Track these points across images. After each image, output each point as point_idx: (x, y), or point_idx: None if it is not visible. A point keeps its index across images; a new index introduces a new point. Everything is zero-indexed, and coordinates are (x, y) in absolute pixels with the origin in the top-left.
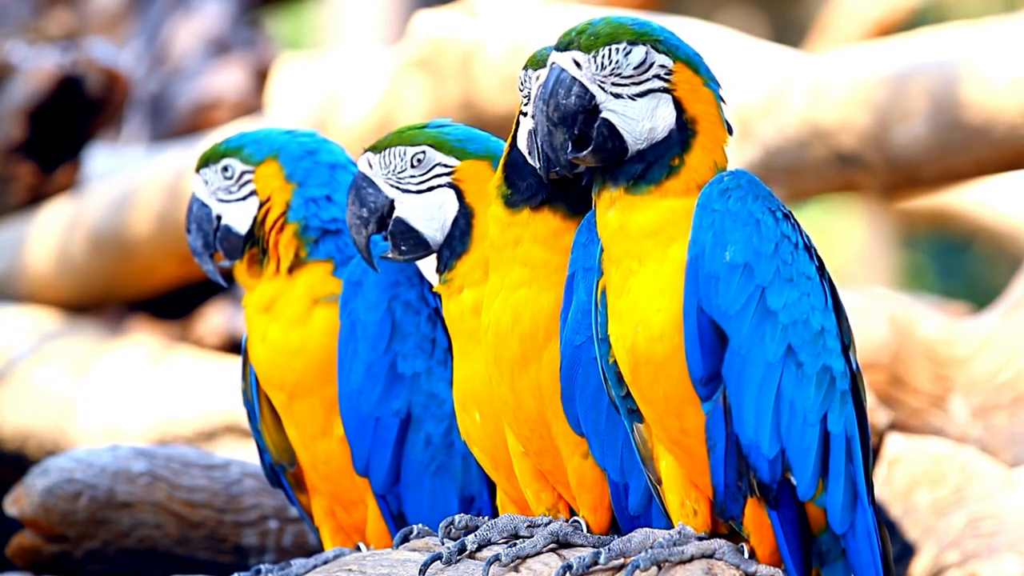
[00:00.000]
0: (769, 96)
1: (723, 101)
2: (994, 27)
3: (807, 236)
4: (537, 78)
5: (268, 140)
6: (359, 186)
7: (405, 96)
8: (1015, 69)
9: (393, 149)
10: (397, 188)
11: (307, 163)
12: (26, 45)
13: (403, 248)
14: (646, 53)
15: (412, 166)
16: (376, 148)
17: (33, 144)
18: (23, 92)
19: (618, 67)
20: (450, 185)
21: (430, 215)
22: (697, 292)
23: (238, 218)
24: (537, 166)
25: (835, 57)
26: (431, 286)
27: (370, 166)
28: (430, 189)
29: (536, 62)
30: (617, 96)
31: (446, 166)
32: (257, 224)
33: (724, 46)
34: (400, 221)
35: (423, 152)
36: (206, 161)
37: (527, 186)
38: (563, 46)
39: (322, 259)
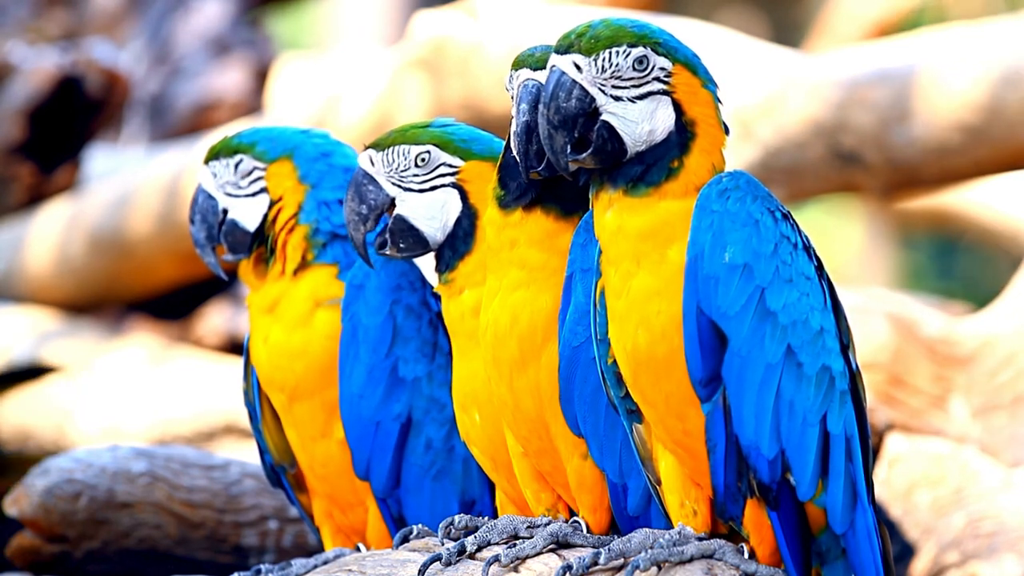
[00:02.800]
0: (769, 96)
1: (720, 103)
2: (994, 27)
3: (805, 236)
4: (517, 77)
5: (283, 138)
6: (359, 183)
7: (404, 96)
8: (1015, 69)
9: (397, 147)
10: (399, 186)
11: (322, 165)
12: (26, 45)
13: (401, 246)
14: (646, 55)
15: (416, 165)
16: (379, 145)
17: (33, 144)
18: (23, 92)
19: (618, 70)
20: (454, 185)
21: (432, 214)
22: (697, 293)
23: (246, 214)
24: (521, 165)
25: (835, 57)
26: (433, 290)
27: (372, 163)
28: (433, 188)
29: (518, 63)
30: (617, 99)
31: (450, 166)
32: (268, 223)
33: (724, 46)
34: (400, 219)
35: (428, 152)
36: (216, 154)
37: (517, 186)
38: (563, 49)
39: (328, 262)
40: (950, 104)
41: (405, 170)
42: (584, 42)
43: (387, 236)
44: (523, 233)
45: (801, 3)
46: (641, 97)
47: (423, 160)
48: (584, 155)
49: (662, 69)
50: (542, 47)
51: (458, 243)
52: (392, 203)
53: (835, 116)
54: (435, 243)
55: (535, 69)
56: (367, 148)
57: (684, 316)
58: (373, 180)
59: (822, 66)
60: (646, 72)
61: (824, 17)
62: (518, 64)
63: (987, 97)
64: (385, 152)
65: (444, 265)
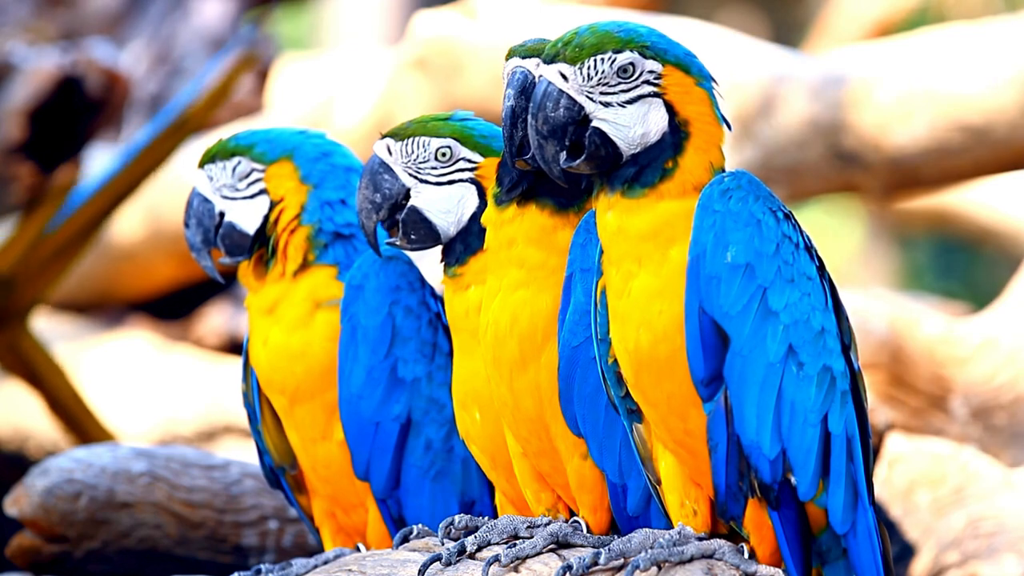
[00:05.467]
0: (769, 96)
1: (719, 98)
2: (994, 26)
3: (807, 236)
4: (507, 67)
5: (281, 139)
6: (375, 171)
7: (403, 96)
8: (1015, 69)
9: (417, 139)
10: (415, 178)
11: (323, 165)
12: (26, 45)
13: (412, 237)
14: (633, 60)
15: (436, 158)
16: (397, 135)
17: (33, 144)
18: (23, 92)
19: (604, 76)
20: (472, 181)
21: (447, 208)
22: (699, 293)
23: (244, 216)
24: (506, 152)
25: (835, 57)
26: (432, 291)
27: (389, 153)
28: (451, 183)
29: (510, 53)
30: (607, 105)
31: (470, 161)
32: (269, 225)
33: (724, 46)
34: (414, 210)
35: (448, 146)
36: (212, 157)
37: (509, 180)
38: (549, 58)
39: (328, 263)
40: (950, 104)
41: (424, 162)
42: (569, 51)
43: (398, 227)
44: (520, 230)
45: (801, 3)
46: (631, 101)
47: (443, 154)
48: (578, 161)
49: (651, 72)
50: (535, 39)
51: (471, 239)
52: (407, 194)
53: (835, 116)
54: (446, 237)
55: (524, 57)
56: (384, 137)
57: (686, 316)
58: (389, 169)
59: (822, 66)
60: (634, 76)
61: (824, 17)
62: (509, 55)
63: (988, 97)
64: (404, 143)
65: (454, 259)
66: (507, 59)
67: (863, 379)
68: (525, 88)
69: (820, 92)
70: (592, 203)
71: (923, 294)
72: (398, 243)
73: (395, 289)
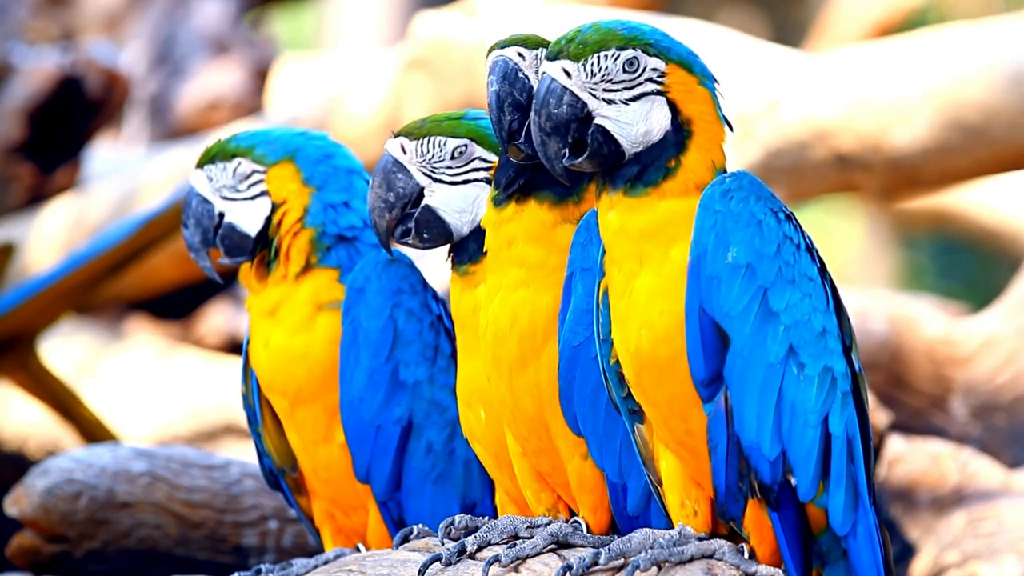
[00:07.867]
0: (769, 97)
1: (721, 97)
2: (994, 27)
3: (809, 237)
4: (489, 59)
5: (282, 141)
6: (389, 170)
7: (406, 97)
8: (1015, 69)
9: (433, 138)
10: (430, 177)
11: (325, 167)
12: (26, 45)
13: (425, 236)
14: (636, 58)
15: (452, 157)
16: (412, 134)
17: (33, 144)
18: (23, 92)
19: (608, 73)
20: (486, 180)
21: (462, 207)
22: (699, 293)
23: (245, 218)
24: (497, 136)
25: (835, 57)
26: (434, 293)
27: (403, 151)
28: (465, 182)
29: (490, 48)
30: (610, 102)
31: (485, 161)
32: (272, 227)
33: (724, 46)
34: (428, 209)
35: (465, 145)
36: (212, 157)
37: (506, 178)
38: (553, 55)
39: (331, 266)
40: (950, 104)
41: (439, 161)
42: (573, 47)
43: (411, 226)
44: (520, 228)
45: (801, 3)
46: (634, 99)
47: (460, 153)
48: (581, 159)
49: (654, 70)
50: (512, 35)
51: (484, 237)
52: (421, 193)
53: (835, 116)
54: (459, 236)
55: (503, 47)
56: (397, 136)
57: (686, 316)
58: (404, 169)
59: (822, 66)
60: (637, 74)
61: (824, 17)
62: (489, 51)
63: (988, 97)
64: (419, 142)
65: (467, 257)
66: (487, 55)
67: (864, 380)
68: (507, 74)
69: (820, 92)
70: (592, 198)
71: (923, 294)
72: (410, 242)
73: (397, 292)
